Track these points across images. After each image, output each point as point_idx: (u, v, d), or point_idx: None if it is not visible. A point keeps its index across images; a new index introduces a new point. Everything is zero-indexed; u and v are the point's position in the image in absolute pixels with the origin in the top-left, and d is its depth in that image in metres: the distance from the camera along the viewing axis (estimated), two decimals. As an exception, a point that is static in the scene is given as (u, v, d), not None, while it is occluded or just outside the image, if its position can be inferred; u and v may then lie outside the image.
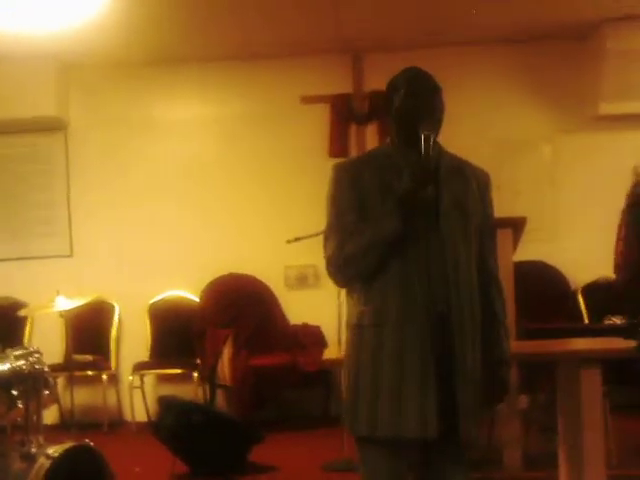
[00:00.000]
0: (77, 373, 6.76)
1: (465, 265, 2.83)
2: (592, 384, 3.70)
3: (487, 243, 2.99)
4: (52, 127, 7.79)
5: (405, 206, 2.72)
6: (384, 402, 2.74)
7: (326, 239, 2.93)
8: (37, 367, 3.88)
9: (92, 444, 3.88)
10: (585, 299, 7.35)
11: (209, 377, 7.16)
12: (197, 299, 7.56)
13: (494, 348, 2.90)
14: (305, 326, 7.37)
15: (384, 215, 2.76)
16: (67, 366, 6.50)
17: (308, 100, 7.54)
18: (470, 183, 2.94)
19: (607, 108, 7.14)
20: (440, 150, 2.94)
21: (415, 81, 2.90)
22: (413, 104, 2.86)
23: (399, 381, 2.73)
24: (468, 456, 2.94)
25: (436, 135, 2.87)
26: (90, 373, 7.27)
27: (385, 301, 2.77)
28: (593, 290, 7.30)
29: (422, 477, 2.93)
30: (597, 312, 6.78)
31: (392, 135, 2.96)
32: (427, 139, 2.75)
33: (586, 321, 7.16)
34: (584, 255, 7.16)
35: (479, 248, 2.92)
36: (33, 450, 3.71)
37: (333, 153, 7.58)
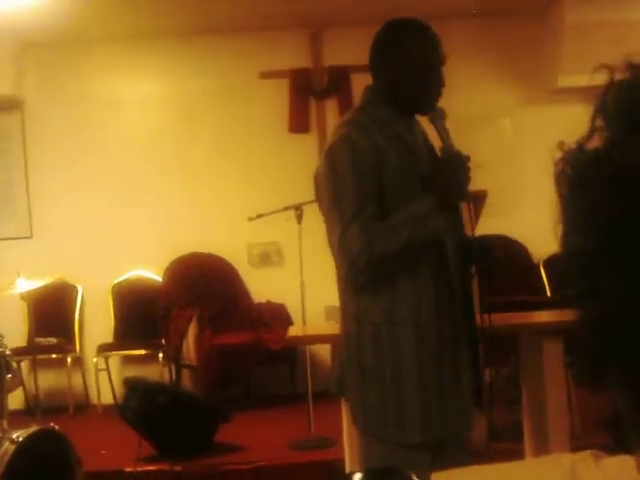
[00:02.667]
0: (41, 356, 6.70)
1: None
2: (554, 355, 3.73)
3: None
4: (8, 106, 7.66)
5: (448, 208, 2.59)
6: (434, 403, 2.59)
7: (344, 232, 2.53)
8: (-1, 351, 3.85)
9: (57, 428, 3.85)
10: (547, 272, 7.41)
11: (174, 357, 7.14)
12: (160, 279, 7.53)
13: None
14: (269, 304, 7.36)
15: (424, 215, 2.53)
16: (30, 349, 6.45)
17: (266, 75, 7.50)
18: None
19: (566, 81, 7.18)
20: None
21: (435, 48, 2.67)
22: (433, 78, 2.66)
23: (442, 379, 2.60)
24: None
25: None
26: (54, 356, 7.20)
27: (420, 297, 2.59)
28: (555, 263, 7.35)
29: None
30: (559, 284, 6.83)
31: (383, 95, 2.71)
32: (444, 128, 2.66)
33: (548, 293, 7.22)
34: (546, 228, 7.15)
35: None
36: (-3, 435, 3.68)
37: (293, 128, 7.57)
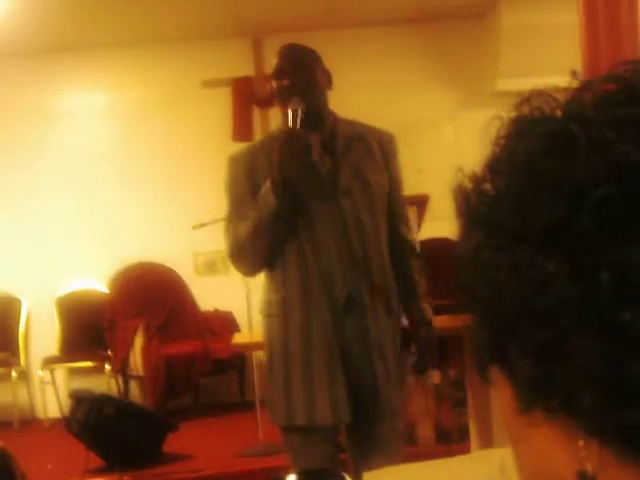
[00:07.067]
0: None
1: (374, 241, 2.79)
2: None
3: (397, 210, 2.92)
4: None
5: (278, 184, 2.66)
6: (297, 391, 2.74)
7: (225, 231, 2.89)
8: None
9: (0, 443, 3.80)
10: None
11: (121, 369, 7.09)
12: (106, 290, 7.46)
13: (415, 312, 2.92)
14: (216, 312, 7.34)
15: (260, 198, 2.71)
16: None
17: (209, 84, 7.47)
18: (373, 150, 2.85)
19: (505, 84, 7.26)
20: (336, 119, 2.87)
21: (282, 58, 2.87)
22: (280, 83, 2.83)
23: (309, 369, 2.73)
24: (395, 429, 2.93)
25: (313, 106, 2.78)
26: (-2, 370, 7.12)
27: (287, 289, 2.76)
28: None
29: (352, 458, 2.93)
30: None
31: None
32: (294, 114, 2.70)
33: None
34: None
35: (389, 217, 2.86)
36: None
37: (237, 137, 7.53)
